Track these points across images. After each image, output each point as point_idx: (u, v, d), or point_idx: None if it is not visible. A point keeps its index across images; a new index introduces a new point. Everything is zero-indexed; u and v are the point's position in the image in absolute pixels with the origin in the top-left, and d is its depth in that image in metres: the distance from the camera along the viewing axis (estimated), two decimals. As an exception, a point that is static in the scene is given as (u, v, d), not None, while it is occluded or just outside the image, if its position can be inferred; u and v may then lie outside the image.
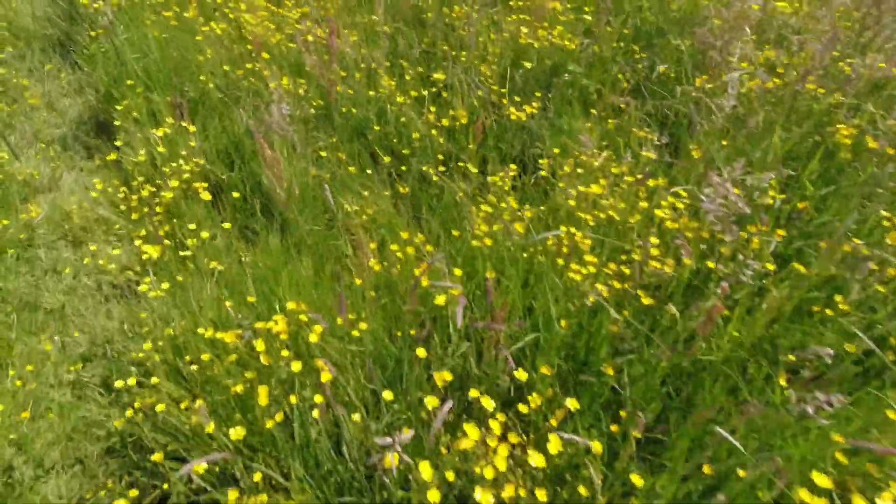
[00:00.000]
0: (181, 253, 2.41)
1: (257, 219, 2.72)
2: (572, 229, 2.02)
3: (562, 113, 2.94)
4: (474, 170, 2.66)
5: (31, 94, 3.91)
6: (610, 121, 2.78)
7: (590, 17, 3.17)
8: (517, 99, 2.89)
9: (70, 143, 3.61)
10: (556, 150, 2.63)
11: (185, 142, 2.85)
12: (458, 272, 2.01)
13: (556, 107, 2.98)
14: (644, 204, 2.15)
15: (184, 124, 2.83)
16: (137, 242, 2.42)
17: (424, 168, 2.72)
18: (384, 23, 3.33)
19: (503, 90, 2.91)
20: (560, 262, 1.99)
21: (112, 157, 3.19)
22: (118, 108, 3.39)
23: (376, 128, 2.89)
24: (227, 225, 2.64)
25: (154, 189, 2.71)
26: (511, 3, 3.18)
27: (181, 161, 2.72)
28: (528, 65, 2.96)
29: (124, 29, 3.37)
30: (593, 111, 2.86)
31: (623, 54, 3.05)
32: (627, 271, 1.98)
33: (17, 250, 2.76)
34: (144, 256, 2.46)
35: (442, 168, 2.71)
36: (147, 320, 2.23)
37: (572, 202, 2.21)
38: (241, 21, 3.21)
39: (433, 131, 2.73)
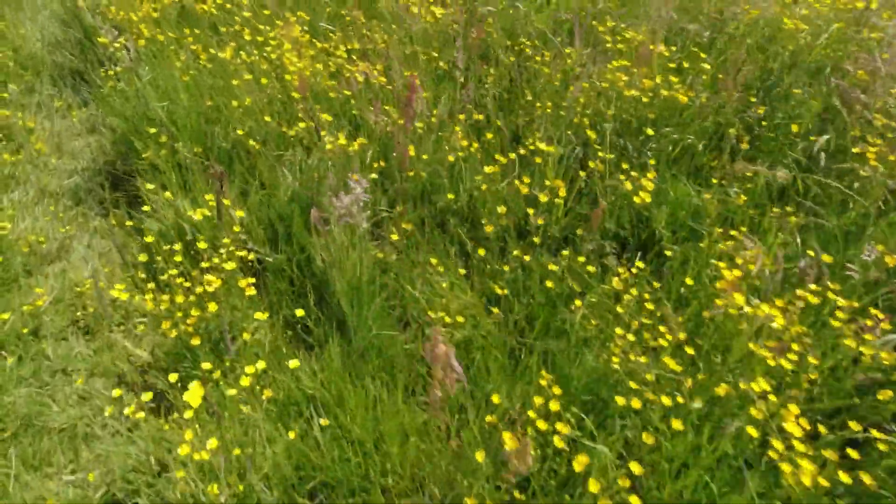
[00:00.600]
0: (224, 384, 1.92)
1: (310, 310, 2.24)
2: (754, 386, 1.52)
3: (668, 179, 2.45)
4: (591, 268, 2.16)
5: (38, 136, 3.44)
6: (740, 194, 2.29)
7: (708, 66, 2.67)
8: (625, 166, 2.40)
9: (82, 196, 3.14)
10: (680, 234, 2.15)
11: (228, 223, 2.36)
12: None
13: (661, 172, 2.49)
14: (850, 343, 1.65)
15: (226, 202, 2.34)
16: (172, 378, 1.93)
17: (518, 254, 2.22)
18: (451, 61, 2.85)
19: (603, 153, 2.41)
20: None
21: (131, 223, 2.71)
22: (139, 161, 2.92)
23: (450, 196, 2.41)
24: (262, 316, 2.15)
25: (187, 283, 2.22)
26: (609, 45, 2.70)
27: (222, 254, 2.23)
28: (650, 132, 2.45)
29: (148, 68, 2.89)
30: (714, 180, 2.38)
31: (741, 109, 2.56)
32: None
33: (20, 347, 2.28)
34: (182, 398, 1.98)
35: (552, 265, 2.18)
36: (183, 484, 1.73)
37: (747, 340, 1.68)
38: (284, 62, 2.74)
39: (530, 210, 2.24)
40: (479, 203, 2.44)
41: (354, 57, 3.01)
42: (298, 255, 2.43)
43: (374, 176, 2.41)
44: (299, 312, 2.18)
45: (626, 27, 2.85)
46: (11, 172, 3.06)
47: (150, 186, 2.68)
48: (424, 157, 2.35)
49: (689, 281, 2.07)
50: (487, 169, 2.32)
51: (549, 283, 2.16)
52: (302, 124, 2.59)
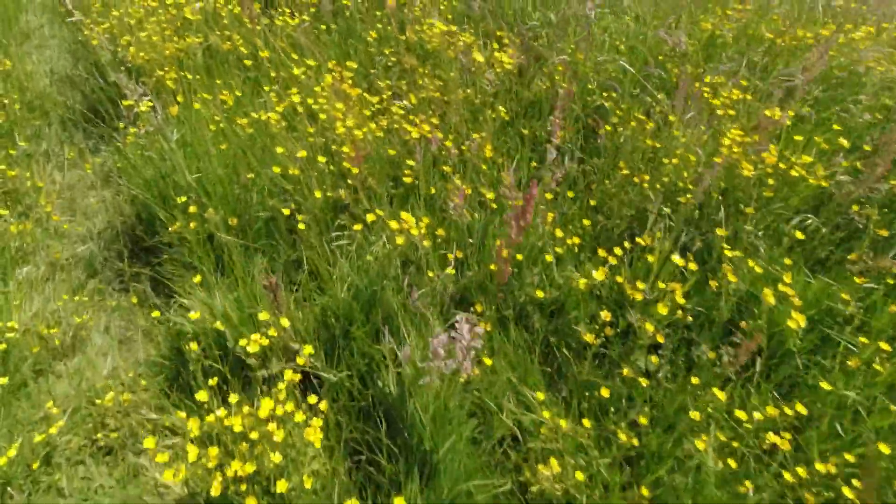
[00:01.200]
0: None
1: (380, 440, 1.86)
2: None
3: (792, 271, 2.07)
4: (720, 394, 1.78)
5: (48, 193, 3.07)
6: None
7: (845, 142, 2.28)
8: (740, 254, 2.01)
9: (98, 266, 2.76)
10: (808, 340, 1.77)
11: (280, 340, 1.97)
12: None
13: (775, 259, 2.12)
14: None
15: (284, 323, 1.95)
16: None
17: (628, 374, 1.85)
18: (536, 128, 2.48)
19: (731, 249, 2.03)
20: None
21: (156, 314, 2.34)
22: (164, 231, 2.55)
23: (539, 293, 2.03)
24: (322, 463, 1.77)
25: (223, 411, 1.84)
26: (718, 110, 2.32)
27: (279, 390, 1.84)
28: (749, 210, 2.05)
29: (176, 129, 2.52)
30: (854, 277, 2.00)
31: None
32: None
33: (29, 481, 1.90)
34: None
35: (669, 385, 1.83)
36: None
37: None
38: (335, 125, 2.36)
39: (648, 325, 1.85)
40: (571, 304, 2.07)
41: (415, 118, 2.63)
42: (359, 362, 2.05)
43: (451, 271, 2.03)
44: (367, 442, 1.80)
45: (731, 84, 2.49)
46: (19, 244, 2.68)
47: (178, 272, 2.31)
48: (519, 256, 1.98)
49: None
50: (594, 276, 1.94)
51: (668, 408, 1.79)
52: (359, 205, 2.22)
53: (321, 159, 2.27)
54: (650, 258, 1.95)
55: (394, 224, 1.98)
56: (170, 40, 3.16)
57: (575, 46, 2.98)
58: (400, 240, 1.91)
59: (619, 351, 2.03)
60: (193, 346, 1.98)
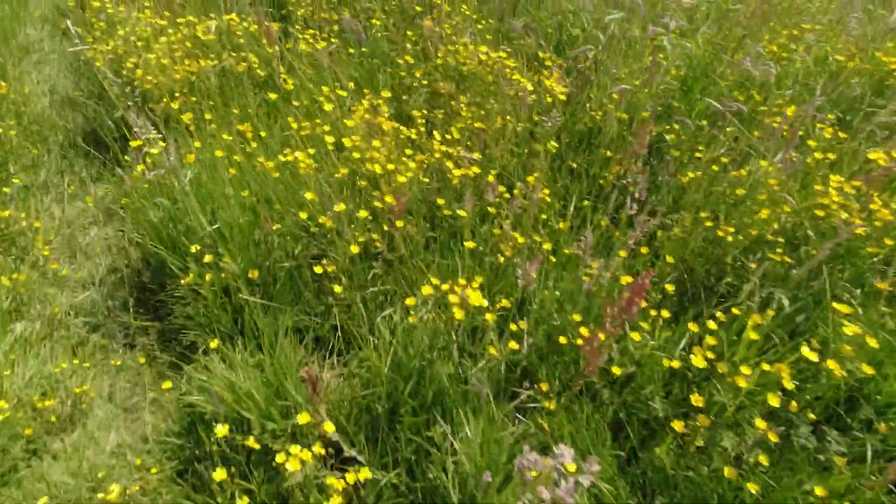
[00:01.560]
0: None
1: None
2: None
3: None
4: None
5: (46, 231, 2.78)
6: None
7: None
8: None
9: (101, 318, 2.47)
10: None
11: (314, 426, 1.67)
12: None
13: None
14: None
15: (329, 430, 1.65)
16: None
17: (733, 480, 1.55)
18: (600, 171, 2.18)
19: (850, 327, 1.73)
20: None
21: (167, 385, 2.05)
22: (175, 284, 2.26)
23: (616, 370, 1.74)
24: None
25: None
26: (815, 153, 2.01)
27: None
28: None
29: (189, 169, 2.23)
30: None
31: None
32: None
33: None
34: None
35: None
36: None
37: None
38: (370, 164, 2.07)
39: (759, 422, 1.56)
40: (647, 379, 1.77)
41: (455, 152, 2.34)
42: (405, 451, 1.76)
43: (514, 345, 1.73)
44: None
45: (817, 120, 2.19)
46: (13, 295, 2.39)
47: (191, 327, 2.02)
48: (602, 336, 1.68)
49: None
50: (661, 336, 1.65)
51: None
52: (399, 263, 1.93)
53: (363, 214, 1.98)
54: (752, 335, 1.65)
55: (451, 297, 1.68)
56: (181, 63, 2.87)
57: (629, 71, 2.69)
58: (459, 314, 1.62)
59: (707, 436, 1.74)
60: (219, 430, 1.69)
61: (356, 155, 2.10)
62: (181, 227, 2.30)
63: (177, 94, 2.82)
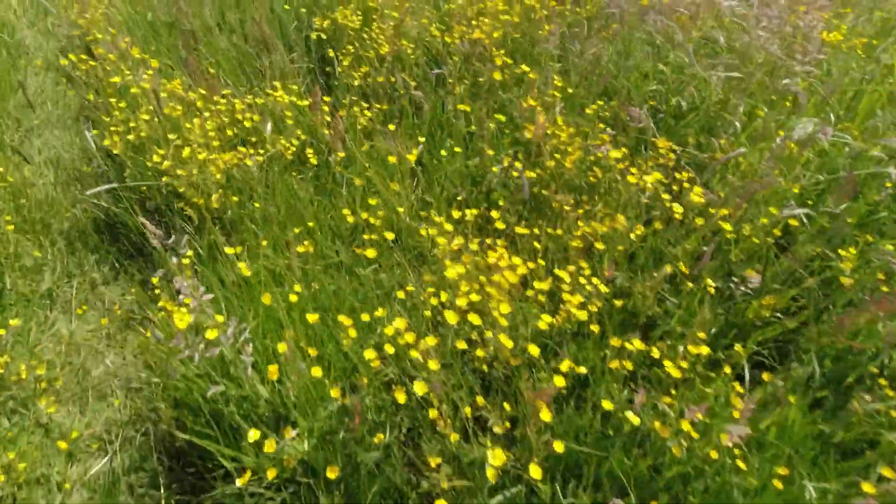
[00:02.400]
0: None
1: None
2: None
3: None
4: None
5: (50, 364, 2.23)
6: None
7: None
8: None
9: (123, 498, 1.92)
10: None
11: None
12: None
13: None
14: None
15: None
16: None
17: None
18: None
19: None
20: None
21: None
22: (224, 487, 1.72)
23: None
24: None
25: None
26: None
27: None
28: None
29: (253, 339, 1.68)
30: None
31: None
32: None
33: None
34: None
35: None
36: None
37: None
38: (501, 355, 1.54)
39: None
40: None
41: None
42: None
43: None
44: None
45: None
46: (10, 473, 1.84)
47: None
48: None
49: None
50: None
51: None
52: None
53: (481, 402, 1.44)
54: None
55: None
56: (219, 152, 2.33)
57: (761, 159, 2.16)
58: None
59: None
60: None
61: (476, 320, 1.57)
62: (232, 400, 1.75)
63: (215, 195, 2.28)
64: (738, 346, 1.77)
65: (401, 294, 1.77)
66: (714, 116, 2.57)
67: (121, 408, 2.17)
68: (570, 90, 2.65)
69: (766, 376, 1.71)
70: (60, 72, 4.07)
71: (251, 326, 1.73)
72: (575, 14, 3.21)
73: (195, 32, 3.05)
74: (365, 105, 2.67)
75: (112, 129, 2.50)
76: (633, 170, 2.11)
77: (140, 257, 2.70)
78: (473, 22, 3.09)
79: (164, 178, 2.28)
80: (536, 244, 1.95)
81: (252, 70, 3.03)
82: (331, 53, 3.13)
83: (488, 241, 1.88)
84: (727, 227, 1.98)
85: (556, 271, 1.78)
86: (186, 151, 2.26)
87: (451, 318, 1.57)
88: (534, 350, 1.59)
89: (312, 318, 1.67)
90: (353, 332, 1.60)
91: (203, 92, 2.48)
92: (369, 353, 1.52)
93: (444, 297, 1.63)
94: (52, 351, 2.33)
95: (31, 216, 2.78)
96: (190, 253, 2.05)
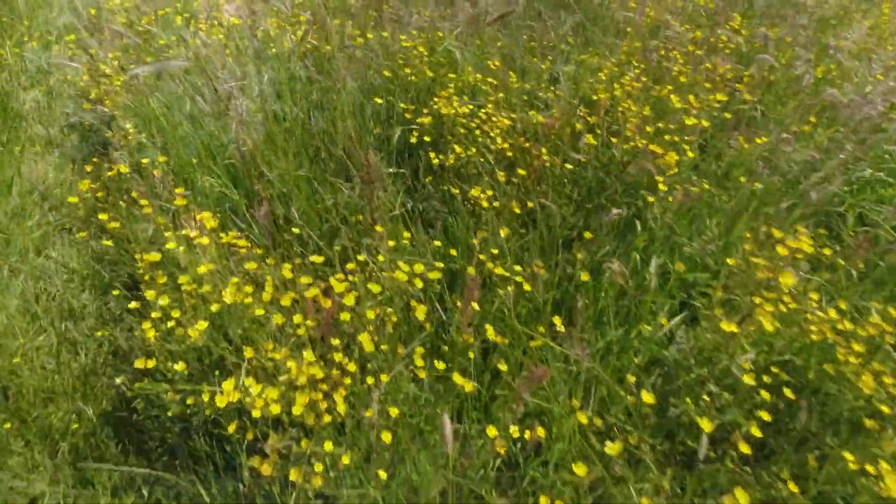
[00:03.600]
0: None
1: None
2: None
3: None
4: None
5: None
6: None
7: None
8: None
9: None
10: None
11: None
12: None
13: None
14: None
15: None
16: None
17: None
18: None
19: None
20: None
21: None
22: None
23: None
24: None
25: None
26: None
27: None
28: None
29: None
30: None
31: None
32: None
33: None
34: None
35: None
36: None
37: None
38: None
39: None
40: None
41: None
42: None
43: None
44: None
45: None
46: None
47: None
48: None
49: None
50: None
51: None
52: None
53: None
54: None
55: None
56: (301, 392, 1.61)
57: None
58: None
59: None
60: None
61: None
62: None
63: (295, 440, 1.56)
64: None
65: None
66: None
67: None
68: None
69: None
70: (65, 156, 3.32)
71: None
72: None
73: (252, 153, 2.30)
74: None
75: (142, 322, 1.77)
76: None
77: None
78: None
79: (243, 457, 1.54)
80: None
81: (323, 209, 2.26)
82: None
83: None
84: None
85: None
86: (256, 392, 1.53)
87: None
88: None
89: None
90: None
91: (285, 266, 1.73)
92: None
93: None
94: None
95: (28, 413, 2.04)
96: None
